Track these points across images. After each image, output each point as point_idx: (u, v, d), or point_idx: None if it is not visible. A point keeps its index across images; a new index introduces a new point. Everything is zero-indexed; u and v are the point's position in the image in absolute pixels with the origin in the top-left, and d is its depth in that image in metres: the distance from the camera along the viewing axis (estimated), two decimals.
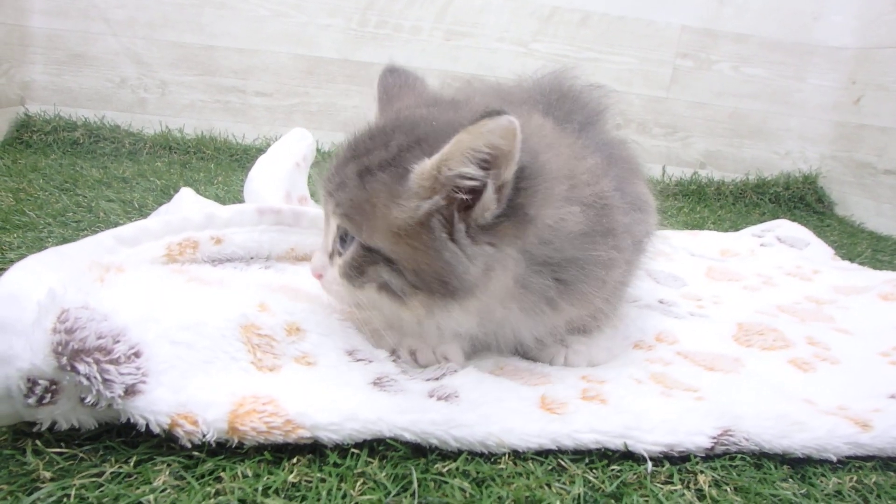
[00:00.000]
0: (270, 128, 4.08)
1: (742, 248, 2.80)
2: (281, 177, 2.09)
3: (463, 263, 1.20)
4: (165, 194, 2.69)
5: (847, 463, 1.25)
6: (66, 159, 3.28)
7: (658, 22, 4.35)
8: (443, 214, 1.20)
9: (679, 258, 2.52)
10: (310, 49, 4.06)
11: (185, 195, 2.09)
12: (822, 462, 1.24)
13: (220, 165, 3.61)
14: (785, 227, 3.00)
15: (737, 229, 3.19)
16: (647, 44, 4.38)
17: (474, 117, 1.10)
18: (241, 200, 2.47)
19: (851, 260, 2.84)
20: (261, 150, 3.61)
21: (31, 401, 1.02)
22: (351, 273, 1.29)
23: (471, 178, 1.16)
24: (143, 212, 2.39)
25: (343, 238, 1.31)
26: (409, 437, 1.11)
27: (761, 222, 3.20)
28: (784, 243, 2.86)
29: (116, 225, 2.03)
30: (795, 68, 4.50)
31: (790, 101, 4.54)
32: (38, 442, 1.05)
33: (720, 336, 1.73)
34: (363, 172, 1.25)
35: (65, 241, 1.97)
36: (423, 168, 1.18)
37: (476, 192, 1.18)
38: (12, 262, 1.70)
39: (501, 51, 4.22)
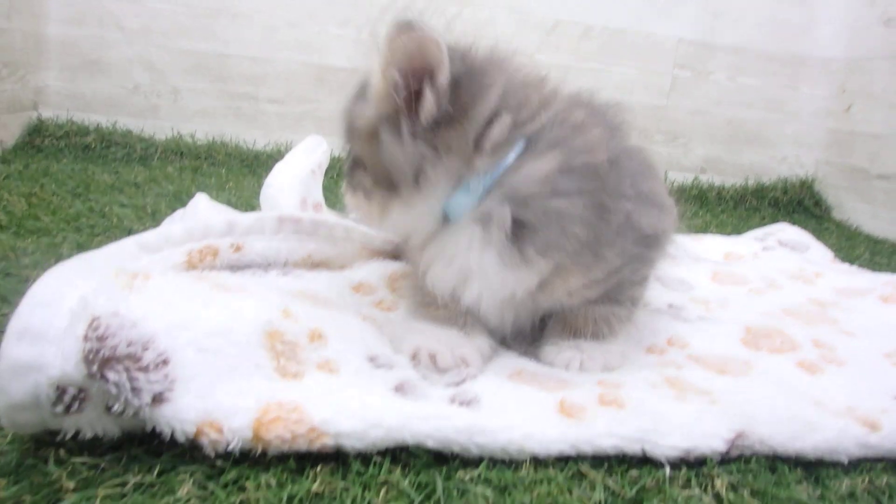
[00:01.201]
0: (281, 134, 4.09)
1: (745, 252, 2.80)
2: (297, 184, 2.10)
3: (399, 158, 1.35)
4: (178, 199, 2.69)
5: (858, 464, 1.25)
6: (78, 164, 3.28)
7: (657, 34, 4.39)
8: (390, 120, 1.36)
9: (685, 262, 2.53)
10: (321, 57, 4.08)
11: (201, 200, 2.10)
12: (834, 464, 1.24)
13: (231, 171, 3.61)
14: (786, 231, 3.00)
15: (739, 233, 3.19)
16: (647, 55, 4.42)
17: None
18: (252, 206, 2.48)
19: (850, 262, 2.84)
20: (271, 156, 3.64)
21: (59, 409, 1.02)
22: (348, 181, 1.50)
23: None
24: (155, 217, 2.39)
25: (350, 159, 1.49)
26: (431, 444, 1.11)
27: (762, 226, 3.20)
28: (786, 247, 2.87)
29: (130, 230, 2.06)
30: (788, 78, 4.57)
31: (784, 108, 4.59)
32: (60, 451, 1.04)
33: (729, 339, 1.73)
34: (352, 102, 1.46)
35: (79, 246, 1.99)
36: (373, 81, 1.35)
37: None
38: (27, 267, 1.72)
39: None
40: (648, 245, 1.54)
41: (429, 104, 1.31)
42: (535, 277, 1.39)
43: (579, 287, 1.44)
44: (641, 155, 1.64)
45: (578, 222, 1.34)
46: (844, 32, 4.41)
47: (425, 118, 1.32)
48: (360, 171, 1.44)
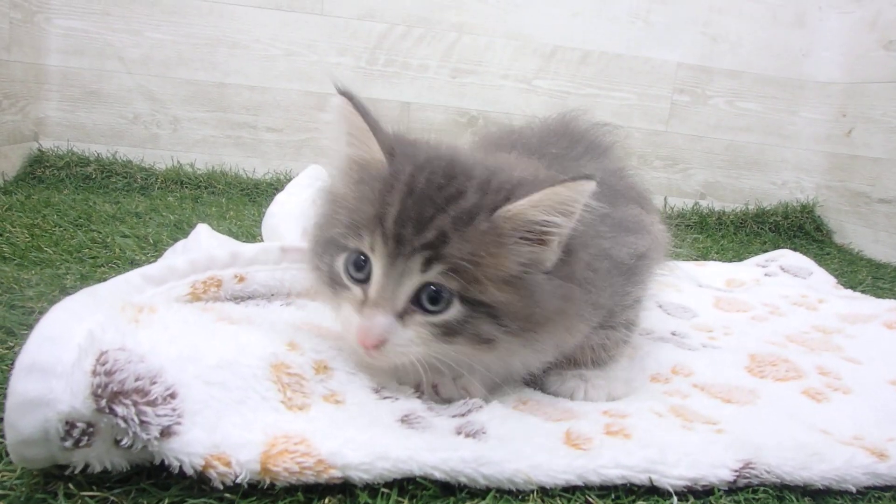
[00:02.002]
0: (281, 162, 4.10)
1: (747, 278, 2.81)
2: (298, 213, 2.10)
3: (547, 297, 1.26)
4: (179, 229, 2.70)
5: (866, 493, 1.25)
6: (79, 194, 3.29)
7: (655, 59, 4.42)
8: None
9: (687, 289, 2.54)
10: (320, 86, 4.10)
11: (202, 231, 2.10)
12: (842, 493, 1.24)
13: (231, 200, 3.63)
14: (788, 257, 3.02)
15: (740, 258, 3.21)
16: (645, 80, 4.45)
17: (575, 176, 1.21)
18: (253, 234, 2.49)
19: (853, 288, 2.86)
20: (271, 185, 3.65)
21: (68, 444, 1.01)
22: (443, 332, 1.25)
23: (544, 225, 1.23)
24: (157, 247, 2.39)
25: (435, 297, 1.23)
26: (438, 475, 1.11)
27: (763, 251, 3.23)
28: (788, 273, 2.88)
29: (132, 260, 2.06)
30: (787, 102, 4.60)
31: (784, 133, 4.63)
32: (70, 485, 1.04)
33: (734, 367, 1.74)
34: (460, 222, 1.21)
35: (82, 277, 1.99)
36: (511, 212, 1.22)
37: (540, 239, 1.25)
38: (31, 299, 1.72)
39: (506, 87, 4.28)
40: (632, 272, 1.54)
41: (557, 245, 1.29)
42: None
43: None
44: (618, 177, 1.67)
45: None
46: (844, 56, 4.44)
47: (554, 257, 1.30)
48: (481, 321, 1.23)
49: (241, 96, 4.05)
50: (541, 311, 1.26)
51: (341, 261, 1.29)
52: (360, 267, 1.27)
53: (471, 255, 1.20)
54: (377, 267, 1.23)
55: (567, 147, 1.67)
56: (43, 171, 3.61)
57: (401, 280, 1.22)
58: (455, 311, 1.23)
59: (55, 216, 2.72)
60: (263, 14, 3.98)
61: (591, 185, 1.20)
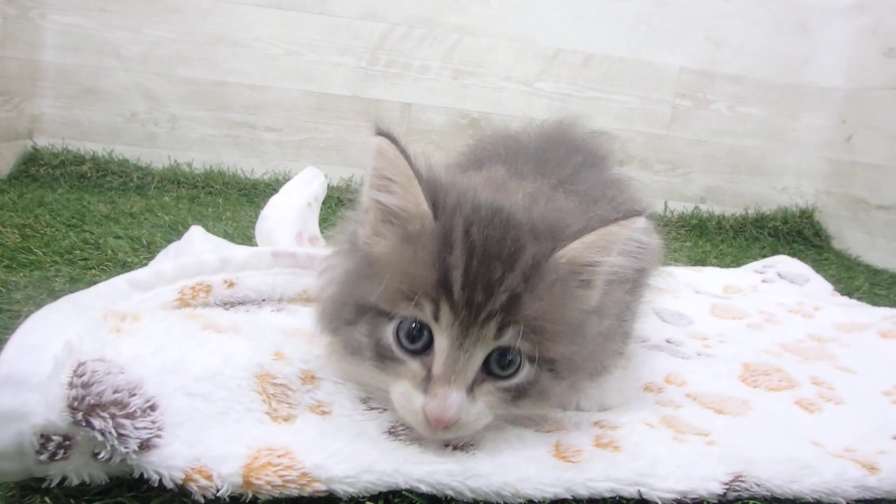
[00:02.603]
0: (279, 163, 4.11)
1: (744, 285, 2.81)
2: (293, 217, 2.09)
3: (592, 338, 1.25)
4: (174, 230, 2.69)
5: None
6: (74, 193, 3.29)
7: (657, 63, 4.42)
8: None
9: (684, 295, 2.53)
10: (320, 86, 4.10)
11: (195, 233, 2.09)
12: None
13: (228, 200, 3.62)
14: (785, 263, 3.03)
15: (738, 263, 3.21)
16: (648, 84, 4.46)
17: (627, 214, 1.18)
18: (249, 237, 2.48)
19: (850, 294, 2.87)
20: (270, 185, 3.64)
21: (44, 457, 1.01)
22: (513, 396, 1.19)
23: (596, 265, 1.21)
24: (151, 249, 2.38)
25: (505, 361, 1.16)
26: (424, 488, 1.10)
27: (762, 256, 3.24)
28: (785, 279, 2.89)
29: (125, 263, 2.04)
30: (789, 108, 4.62)
31: (785, 138, 4.65)
32: (46, 498, 1.03)
33: (727, 377, 1.73)
34: (529, 278, 1.14)
35: (72, 279, 1.98)
36: (566, 256, 1.18)
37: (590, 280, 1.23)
38: (19, 302, 1.71)
39: (507, 90, 4.28)
40: (634, 285, 1.52)
41: (601, 282, 1.27)
42: None
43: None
44: (617, 188, 1.65)
45: None
46: (845, 63, 4.44)
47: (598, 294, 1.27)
48: (544, 377, 1.19)
49: (241, 95, 4.06)
50: (588, 353, 1.24)
51: (389, 331, 1.17)
52: (414, 337, 1.16)
53: (542, 311, 1.14)
54: (443, 338, 1.14)
55: (565, 156, 1.65)
56: (37, 169, 3.61)
57: (472, 350, 1.14)
58: (525, 372, 1.18)
59: (48, 216, 2.71)
60: (264, 13, 3.98)
61: (641, 222, 1.18)
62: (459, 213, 1.17)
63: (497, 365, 1.16)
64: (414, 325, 1.15)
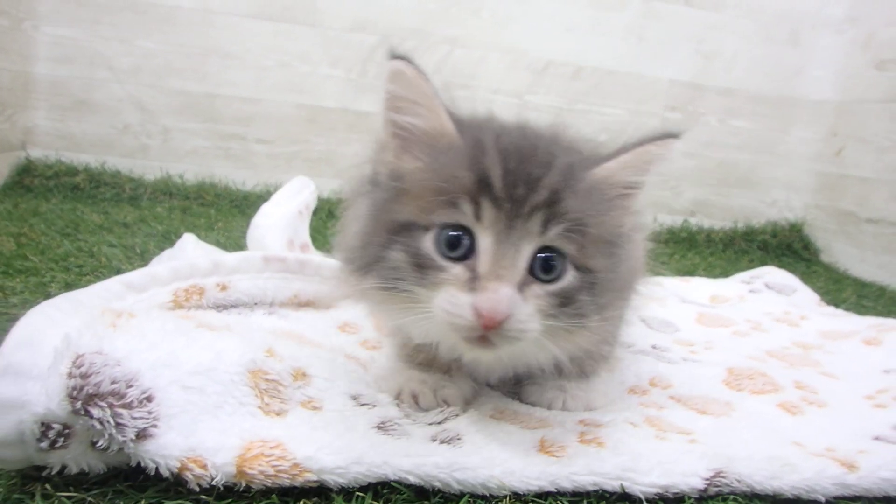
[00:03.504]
0: (271, 174, 4.09)
1: (732, 295, 2.83)
2: (284, 225, 2.11)
3: (624, 269, 1.28)
4: (167, 240, 2.70)
5: (835, 503, 1.26)
6: (67, 204, 3.29)
7: (647, 76, 4.43)
8: None
9: (671, 304, 2.55)
10: (312, 98, 4.12)
11: (188, 241, 2.11)
12: (812, 503, 1.25)
13: (220, 211, 3.63)
14: (773, 274, 3.04)
15: (727, 276, 3.21)
16: (637, 96, 4.46)
17: (665, 135, 1.21)
18: (241, 246, 2.49)
19: (837, 305, 2.88)
20: (261, 197, 3.64)
21: (44, 445, 1.03)
22: (559, 304, 1.18)
23: (632, 186, 1.25)
24: (144, 257, 2.39)
25: (549, 264, 1.17)
26: (412, 479, 1.12)
27: (751, 269, 3.23)
28: (772, 290, 2.89)
29: (119, 270, 2.06)
30: (779, 121, 4.62)
31: (775, 151, 4.64)
32: (47, 486, 1.05)
33: (712, 380, 1.75)
34: (568, 180, 1.15)
35: (67, 286, 1.99)
36: (605, 172, 1.21)
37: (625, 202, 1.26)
38: (15, 306, 1.73)
39: (497, 102, 4.26)
40: (623, 287, 1.51)
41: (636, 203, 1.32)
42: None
43: None
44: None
45: None
46: (836, 75, 4.45)
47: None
48: (584, 293, 1.20)
49: (233, 107, 4.06)
50: (619, 284, 1.29)
51: (429, 240, 1.16)
52: (454, 244, 1.15)
53: (582, 214, 1.15)
54: (488, 235, 1.13)
55: None
56: (31, 180, 3.61)
57: (519, 245, 1.14)
58: (570, 277, 1.18)
59: (42, 225, 2.73)
60: (256, 25, 3.98)
61: (676, 143, 1.21)
62: (488, 129, 1.19)
63: (541, 269, 1.16)
64: (454, 231, 1.15)
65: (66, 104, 3.87)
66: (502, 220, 1.12)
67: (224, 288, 1.70)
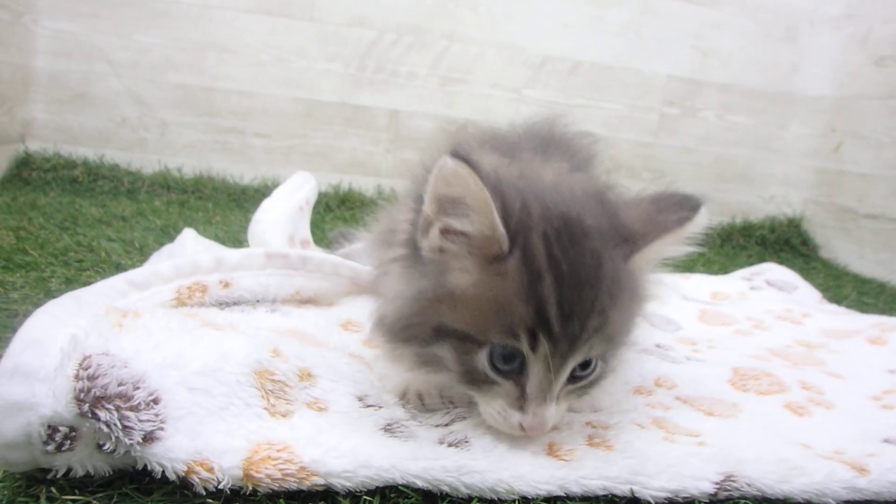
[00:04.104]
0: (268, 168, 4.10)
1: (732, 292, 2.82)
2: (285, 220, 2.10)
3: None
4: (165, 234, 2.70)
5: None
6: (66, 197, 3.28)
7: (645, 71, 4.42)
8: None
9: (672, 301, 2.54)
10: (309, 93, 4.10)
11: (188, 236, 2.10)
12: None
13: (218, 205, 3.62)
14: (773, 271, 3.03)
15: (726, 271, 3.21)
16: (635, 92, 4.44)
17: (694, 207, 1.25)
18: (240, 240, 2.48)
19: (838, 303, 2.87)
20: (258, 191, 3.64)
21: (50, 448, 1.02)
22: (583, 389, 1.28)
23: (664, 258, 1.30)
24: (143, 252, 2.39)
25: (583, 368, 1.22)
26: (420, 484, 1.11)
27: (749, 264, 3.23)
28: (773, 287, 2.88)
29: (118, 265, 2.06)
30: (777, 116, 4.59)
31: (772, 147, 4.62)
32: (52, 489, 1.04)
33: (717, 381, 1.73)
34: (614, 294, 1.17)
35: (67, 280, 1.99)
36: (642, 258, 1.24)
37: None
38: (16, 301, 1.72)
39: (495, 97, 4.27)
40: None
41: None
42: None
43: None
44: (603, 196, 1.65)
45: None
46: (834, 71, 4.44)
47: None
48: (601, 365, 1.26)
49: (230, 101, 4.05)
50: (633, 329, 1.32)
51: (483, 357, 1.17)
52: (508, 359, 1.17)
53: (623, 320, 1.21)
54: (538, 365, 1.16)
55: (557, 158, 1.65)
56: (29, 173, 3.60)
57: (563, 370, 1.18)
58: (598, 369, 1.25)
59: (41, 219, 2.72)
60: (253, 19, 3.97)
61: (704, 210, 1.24)
62: (535, 231, 1.15)
63: (579, 369, 1.21)
64: (508, 351, 1.16)
65: (65, 97, 3.86)
66: (555, 353, 1.14)
67: (227, 285, 1.68)
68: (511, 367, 1.17)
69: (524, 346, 1.14)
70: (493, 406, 1.21)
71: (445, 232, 1.18)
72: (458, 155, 1.08)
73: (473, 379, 1.20)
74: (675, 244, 1.26)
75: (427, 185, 1.15)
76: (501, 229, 1.12)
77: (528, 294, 1.12)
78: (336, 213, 3.79)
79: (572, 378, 1.21)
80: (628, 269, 1.21)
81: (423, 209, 1.18)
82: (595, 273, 1.14)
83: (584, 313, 1.13)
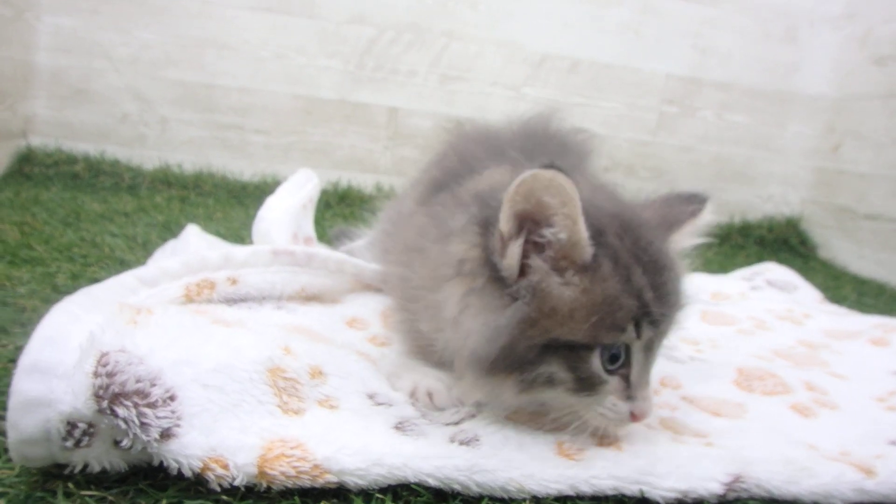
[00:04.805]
0: (268, 165, 4.10)
1: (733, 292, 2.81)
2: (289, 218, 2.10)
3: None
4: (167, 230, 2.70)
5: None
6: (67, 193, 3.28)
7: (644, 70, 4.43)
8: None
9: None
10: (308, 89, 4.10)
11: (191, 232, 2.11)
12: None
13: (218, 201, 3.62)
14: (774, 271, 3.03)
15: (725, 271, 3.21)
16: (634, 90, 4.46)
17: (701, 201, 1.39)
18: (241, 237, 2.49)
19: (838, 303, 2.87)
20: (258, 187, 3.64)
21: (69, 444, 1.02)
22: None
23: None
24: (146, 248, 2.38)
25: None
26: (432, 482, 1.12)
27: (747, 264, 3.23)
28: (774, 287, 2.89)
29: (123, 261, 2.06)
30: (776, 116, 4.61)
31: (771, 146, 4.63)
32: (69, 484, 1.05)
33: (722, 381, 1.74)
34: (680, 273, 1.30)
35: (73, 276, 1.99)
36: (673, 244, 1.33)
37: None
38: (23, 297, 1.72)
39: (495, 95, 4.28)
40: None
41: None
42: None
43: None
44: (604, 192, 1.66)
45: None
46: (834, 71, 4.46)
47: None
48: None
49: (230, 98, 4.05)
50: None
51: (595, 360, 1.20)
52: (615, 358, 1.22)
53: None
54: (641, 349, 1.23)
55: (553, 156, 1.67)
56: (31, 168, 3.59)
57: (656, 351, 1.27)
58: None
59: (45, 214, 2.72)
60: (253, 16, 3.98)
61: (710, 204, 1.35)
62: (609, 232, 1.21)
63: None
64: (616, 346, 1.21)
65: (66, 93, 3.86)
66: (655, 334, 1.23)
67: (234, 282, 1.69)
68: (618, 364, 1.22)
69: (631, 336, 1.20)
70: (604, 405, 1.24)
71: (528, 247, 1.20)
72: (553, 166, 1.11)
73: (585, 385, 1.22)
74: (690, 235, 1.34)
75: (504, 205, 1.16)
76: (585, 234, 1.17)
77: (626, 288, 1.18)
78: (335, 210, 3.79)
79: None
80: (674, 250, 1.30)
81: (498, 229, 1.18)
82: (668, 257, 1.24)
83: (675, 294, 1.25)
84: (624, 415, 1.23)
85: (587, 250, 1.17)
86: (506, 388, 1.23)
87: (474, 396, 1.34)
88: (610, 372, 1.22)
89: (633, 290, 1.18)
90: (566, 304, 1.18)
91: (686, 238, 1.35)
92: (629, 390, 1.23)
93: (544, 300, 1.18)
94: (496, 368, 1.21)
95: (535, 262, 1.19)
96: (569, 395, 1.23)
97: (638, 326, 1.19)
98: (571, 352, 1.19)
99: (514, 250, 1.18)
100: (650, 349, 1.24)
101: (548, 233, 1.17)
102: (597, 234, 1.18)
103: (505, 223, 1.17)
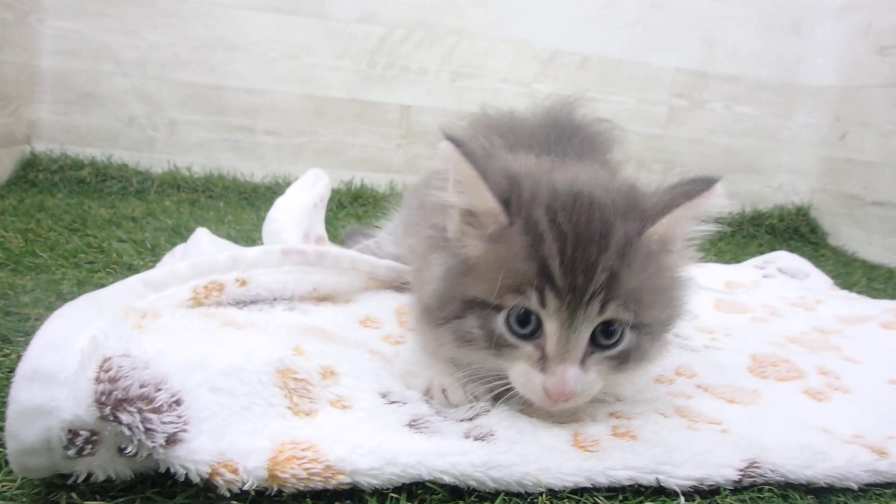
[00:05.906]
0: (279, 166, 4.10)
1: (746, 280, 2.83)
2: (300, 217, 2.09)
3: (679, 297, 1.36)
4: (177, 234, 2.69)
5: (867, 490, 1.27)
6: (74, 199, 3.26)
7: (653, 64, 4.45)
8: None
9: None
10: (318, 89, 4.10)
11: (202, 235, 2.09)
12: (844, 490, 1.26)
13: (229, 204, 3.61)
14: (785, 259, 3.05)
15: (738, 260, 3.23)
16: (644, 85, 4.47)
17: (708, 182, 1.27)
18: (252, 239, 2.48)
19: (849, 289, 2.89)
20: (270, 189, 3.63)
21: (71, 452, 0.99)
22: (619, 362, 1.28)
23: (684, 235, 1.33)
24: (155, 252, 2.37)
25: (610, 331, 1.25)
26: (447, 479, 1.11)
27: (760, 253, 3.26)
28: (785, 274, 2.91)
29: (130, 265, 2.05)
30: (783, 107, 4.65)
31: (779, 137, 4.67)
32: (73, 494, 1.02)
33: (736, 368, 1.75)
34: (624, 255, 1.21)
35: (79, 283, 1.98)
36: (658, 232, 1.26)
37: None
38: (27, 305, 1.71)
39: (505, 91, 4.28)
40: None
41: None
42: None
43: None
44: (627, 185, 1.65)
45: None
46: (839, 62, 4.48)
47: None
48: (644, 339, 1.30)
49: (239, 99, 4.04)
50: (676, 311, 1.35)
51: (500, 321, 1.24)
52: (524, 322, 1.23)
53: (639, 283, 1.22)
54: (552, 321, 1.21)
55: (579, 147, 1.72)
56: (36, 174, 3.57)
57: (580, 328, 1.21)
58: (627, 339, 1.26)
59: (49, 221, 2.70)
60: (261, 16, 3.97)
61: (721, 187, 1.26)
62: (539, 204, 1.23)
63: (602, 336, 1.24)
64: (522, 312, 1.22)
65: (71, 97, 3.85)
66: (564, 308, 1.19)
67: (244, 283, 1.68)
68: (528, 329, 1.23)
69: (533, 303, 1.20)
70: (517, 369, 1.26)
71: (456, 209, 1.29)
72: (450, 137, 1.20)
73: (498, 346, 1.25)
74: (688, 220, 1.29)
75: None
76: (494, 202, 1.23)
77: (529, 253, 1.19)
78: (349, 210, 3.78)
79: (599, 345, 1.25)
80: (644, 241, 1.24)
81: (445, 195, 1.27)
82: (602, 235, 1.20)
83: (589, 268, 1.18)
84: (536, 386, 1.23)
85: (498, 216, 1.23)
86: (446, 341, 1.31)
87: (430, 349, 1.43)
88: (522, 337, 1.24)
89: (537, 256, 1.19)
90: (475, 262, 1.25)
91: (686, 223, 1.30)
92: (544, 361, 1.23)
93: (466, 258, 1.26)
94: (437, 318, 1.31)
95: (466, 228, 1.28)
96: (487, 354, 1.27)
97: (541, 294, 1.19)
98: (482, 310, 1.24)
99: (454, 213, 1.30)
100: (571, 325, 1.20)
101: (458, 199, 1.27)
102: (520, 206, 1.23)
103: (450, 192, 1.27)
